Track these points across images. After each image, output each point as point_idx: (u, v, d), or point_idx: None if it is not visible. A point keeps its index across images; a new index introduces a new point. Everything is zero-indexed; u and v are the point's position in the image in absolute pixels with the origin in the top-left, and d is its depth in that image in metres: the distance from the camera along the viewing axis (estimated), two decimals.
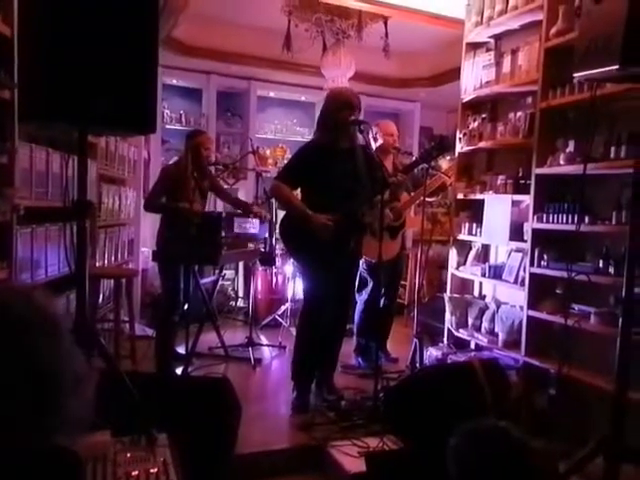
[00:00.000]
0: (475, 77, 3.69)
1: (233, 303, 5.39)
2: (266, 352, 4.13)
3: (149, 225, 4.79)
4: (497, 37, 3.65)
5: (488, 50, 3.65)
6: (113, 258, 4.15)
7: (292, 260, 4.13)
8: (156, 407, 1.73)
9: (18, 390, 0.76)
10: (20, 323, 0.79)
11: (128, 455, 1.47)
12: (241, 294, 5.46)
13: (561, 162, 2.89)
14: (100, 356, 1.89)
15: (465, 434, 1.08)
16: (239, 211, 3.85)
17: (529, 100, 3.31)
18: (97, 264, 3.73)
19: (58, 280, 2.90)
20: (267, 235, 4.03)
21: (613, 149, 2.60)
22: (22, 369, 0.77)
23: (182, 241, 3.23)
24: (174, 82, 5.61)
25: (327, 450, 2.49)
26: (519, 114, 3.32)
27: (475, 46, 3.79)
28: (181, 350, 3.55)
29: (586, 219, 2.70)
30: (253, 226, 3.83)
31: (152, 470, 1.39)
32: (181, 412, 1.82)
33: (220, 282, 4.52)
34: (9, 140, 2.37)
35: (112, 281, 3.71)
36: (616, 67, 1.76)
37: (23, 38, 1.91)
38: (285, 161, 4.92)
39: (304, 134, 6.03)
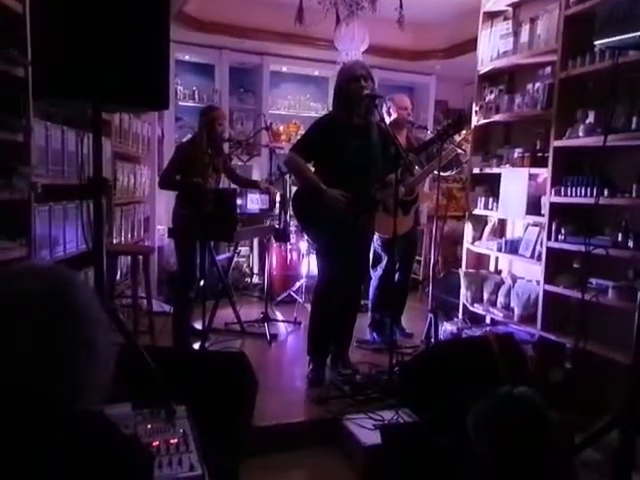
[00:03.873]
0: (492, 48, 3.61)
1: (248, 279, 5.42)
2: (282, 328, 4.16)
3: (164, 203, 4.82)
4: (515, 5, 3.55)
5: (506, 19, 3.55)
6: (129, 235, 4.19)
7: (304, 235, 4.14)
8: (175, 381, 1.77)
9: (69, 360, 0.82)
10: (80, 312, 0.85)
11: (149, 426, 1.50)
12: (256, 270, 5.49)
13: (580, 134, 2.84)
14: (119, 331, 1.93)
15: (488, 399, 1.08)
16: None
17: (548, 70, 3.23)
18: (114, 241, 3.77)
19: (76, 257, 2.95)
20: (280, 211, 4.03)
21: (635, 119, 2.53)
22: (79, 344, 0.83)
23: (197, 218, 3.25)
24: (186, 58, 5.56)
25: (342, 423, 2.52)
26: (537, 85, 3.24)
27: (492, 15, 3.69)
28: (198, 326, 3.59)
29: (605, 192, 2.65)
30: (264, 202, 3.84)
31: (172, 441, 1.43)
32: (199, 385, 1.85)
33: (235, 259, 4.55)
34: (24, 118, 2.38)
35: (129, 258, 3.75)
36: (639, 34, 1.71)
37: (35, 14, 1.91)
38: (299, 137, 4.90)
39: (318, 109, 5.96)
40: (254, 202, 3.62)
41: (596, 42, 1.93)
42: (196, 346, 3.41)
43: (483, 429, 0.99)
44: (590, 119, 2.82)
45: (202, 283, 3.44)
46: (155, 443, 1.41)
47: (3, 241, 2.30)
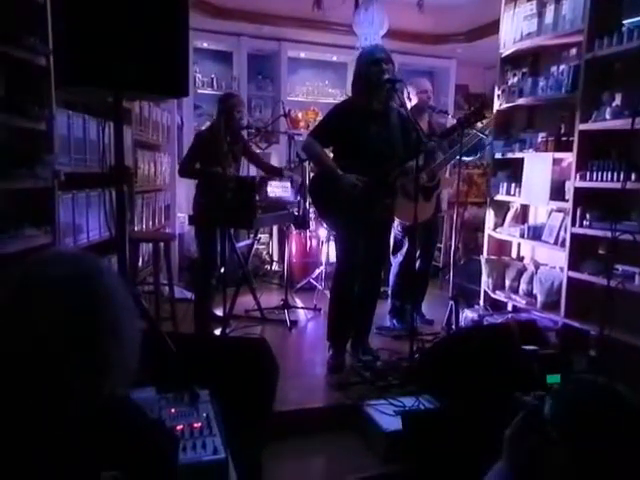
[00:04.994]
0: (515, 29, 3.53)
1: (268, 267, 5.45)
2: (301, 314, 4.18)
3: (184, 190, 4.85)
4: None
5: (529, 0, 3.46)
6: (151, 223, 4.23)
7: (321, 220, 4.14)
8: (198, 366, 1.79)
9: (100, 348, 0.83)
10: (105, 294, 0.86)
11: (173, 410, 1.52)
12: (276, 258, 5.51)
13: (607, 117, 2.77)
14: (142, 317, 1.95)
15: (570, 388, 1.06)
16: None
17: (573, 52, 3.15)
18: (135, 228, 3.81)
19: (99, 244, 2.98)
20: (300, 198, 4.02)
21: None
22: (106, 329, 0.84)
23: (217, 205, 3.26)
24: (204, 45, 5.56)
25: (363, 409, 2.52)
26: (562, 67, 3.17)
27: None
28: (219, 312, 3.62)
29: (632, 176, 2.59)
30: (285, 190, 3.82)
31: (196, 425, 1.44)
32: (221, 371, 1.87)
33: (255, 246, 4.57)
34: (47, 107, 2.41)
35: (150, 245, 3.78)
36: None
37: (56, 4, 1.92)
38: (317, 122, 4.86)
39: (336, 95, 5.92)
40: (276, 189, 3.61)
41: (625, 21, 1.88)
42: (217, 332, 3.44)
43: (567, 421, 0.94)
44: (617, 101, 2.75)
45: (222, 270, 3.46)
46: (179, 427, 1.42)
47: (29, 229, 2.34)
